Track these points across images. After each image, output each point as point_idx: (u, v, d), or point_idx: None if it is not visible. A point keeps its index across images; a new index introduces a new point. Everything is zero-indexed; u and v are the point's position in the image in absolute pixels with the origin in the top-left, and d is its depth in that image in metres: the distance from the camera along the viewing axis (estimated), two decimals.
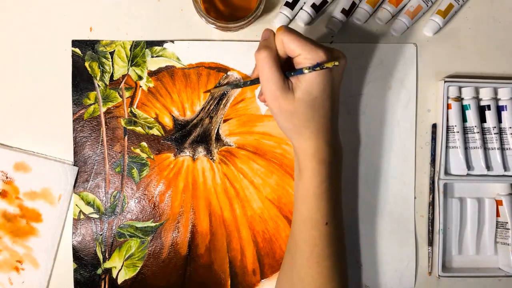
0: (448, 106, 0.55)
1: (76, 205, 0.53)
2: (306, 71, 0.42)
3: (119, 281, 0.53)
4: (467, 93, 0.54)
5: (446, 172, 0.55)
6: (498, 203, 0.55)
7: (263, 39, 0.46)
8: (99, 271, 0.53)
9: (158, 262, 0.53)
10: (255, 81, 0.48)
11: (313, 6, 0.54)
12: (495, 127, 0.54)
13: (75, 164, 0.54)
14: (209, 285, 0.53)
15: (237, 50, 0.54)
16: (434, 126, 0.55)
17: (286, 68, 0.45)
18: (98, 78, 0.54)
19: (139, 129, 0.54)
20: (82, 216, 0.53)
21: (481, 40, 0.56)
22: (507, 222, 0.54)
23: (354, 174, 0.55)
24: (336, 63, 0.42)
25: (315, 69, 0.42)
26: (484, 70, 0.56)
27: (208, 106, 0.54)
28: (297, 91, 0.43)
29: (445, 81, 0.54)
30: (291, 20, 0.54)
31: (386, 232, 0.55)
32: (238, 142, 0.54)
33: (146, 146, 0.54)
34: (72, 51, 0.54)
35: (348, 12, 0.54)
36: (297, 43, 0.43)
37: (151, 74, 0.54)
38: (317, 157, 0.45)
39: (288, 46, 0.43)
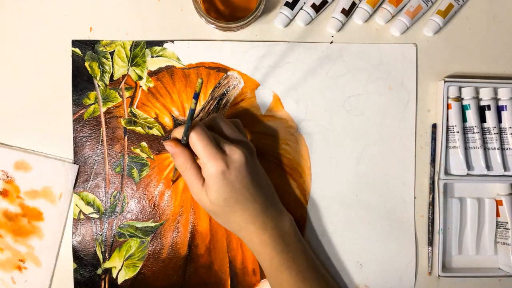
0: (448, 106, 0.54)
1: (76, 205, 0.53)
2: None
3: (119, 281, 0.53)
4: (467, 93, 0.54)
5: (446, 172, 0.55)
6: (498, 203, 0.55)
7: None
8: (99, 271, 0.53)
9: (158, 262, 0.53)
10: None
11: (313, 6, 0.54)
12: (495, 127, 0.54)
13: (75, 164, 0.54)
14: (209, 285, 0.53)
15: (237, 50, 0.55)
16: (434, 126, 0.55)
17: None
18: (98, 78, 0.54)
19: (139, 129, 0.54)
20: (82, 216, 0.53)
21: (481, 40, 0.56)
22: (507, 222, 0.54)
23: (354, 174, 0.55)
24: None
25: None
26: (484, 70, 0.56)
27: (208, 106, 0.54)
28: (209, 195, 0.46)
29: (445, 81, 0.54)
30: (291, 20, 0.54)
31: (386, 232, 0.55)
32: None
33: (146, 146, 0.54)
34: (72, 51, 0.54)
35: (348, 12, 0.54)
36: (199, 148, 0.44)
37: (151, 74, 0.54)
38: (260, 243, 0.47)
39: (194, 147, 0.45)
